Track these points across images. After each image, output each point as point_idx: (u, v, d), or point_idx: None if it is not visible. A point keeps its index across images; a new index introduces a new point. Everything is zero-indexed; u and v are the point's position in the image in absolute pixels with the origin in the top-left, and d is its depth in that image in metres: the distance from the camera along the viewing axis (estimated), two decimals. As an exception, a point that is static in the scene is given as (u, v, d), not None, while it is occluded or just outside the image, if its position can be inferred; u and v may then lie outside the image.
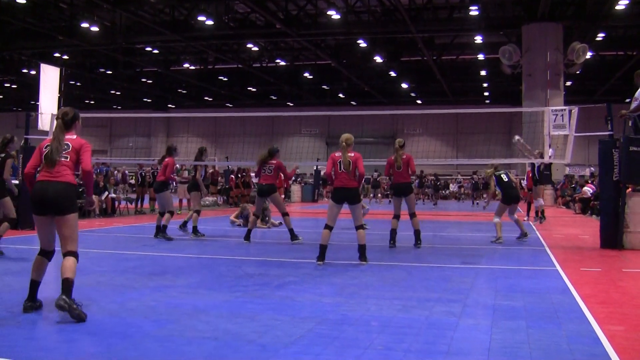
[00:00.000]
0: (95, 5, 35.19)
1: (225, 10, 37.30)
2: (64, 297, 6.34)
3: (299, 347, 5.50)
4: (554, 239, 16.16)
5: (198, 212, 16.38)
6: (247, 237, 14.64)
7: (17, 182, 17.75)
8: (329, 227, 11.16)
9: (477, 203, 39.75)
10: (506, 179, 15.04)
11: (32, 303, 6.79)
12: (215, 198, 32.36)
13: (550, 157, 19.83)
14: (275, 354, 5.31)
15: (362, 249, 11.15)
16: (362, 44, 42.26)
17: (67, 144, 6.94)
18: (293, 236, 14.57)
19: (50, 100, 21.88)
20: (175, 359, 5.13)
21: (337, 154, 11.31)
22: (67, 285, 6.47)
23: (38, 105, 21.73)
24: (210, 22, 36.68)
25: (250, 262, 11.43)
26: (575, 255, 12.67)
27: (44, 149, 6.92)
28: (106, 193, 23.03)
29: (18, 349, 5.31)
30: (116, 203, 23.96)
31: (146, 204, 26.99)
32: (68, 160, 6.88)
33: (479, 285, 9.01)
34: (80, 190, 13.42)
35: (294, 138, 62.68)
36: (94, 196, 22.67)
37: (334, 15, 35.94)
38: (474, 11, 35.15)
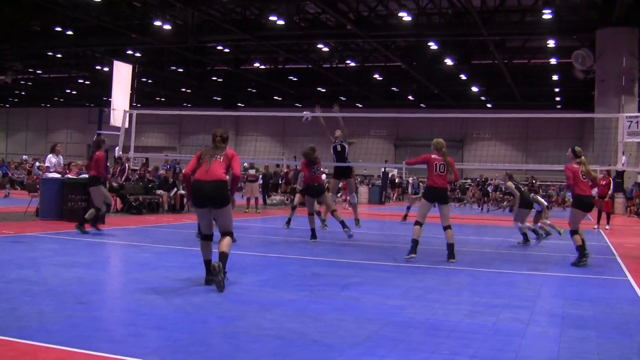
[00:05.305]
0: (168, 4, 35.67)
1: (296, 11, 37.38)
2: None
3: (364, 349, 5.50)
4: (625, 248, 15.86)
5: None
6: None
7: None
8: (419, 224, 11.49)
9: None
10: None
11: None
12: (282, 197, 32.43)
13: (623, 164, 19.44)
14: (340, 354, 5.31)
15: (450, 248, 11.48)
16: (433, 46, 41.88)
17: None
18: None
19: (122, 97, 22.20)
20: (241, 356, 5.17)
21: (434, 156, 11.59)
22: (223, 257, 8.07)
23: (110, 101, 22.07)
24: (281, 22, 36.78)
25: (316, 262, 11.47)
26: (647, 265, 12.40)
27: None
28: (175, 189, 23.30)
29: (88, 339, 5.41)
30: (185, 199, 24.16)
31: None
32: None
33: (547, 293, 8.90)
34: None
35: (362, 140, 62.52)
36: (162, 192, 23.01)
37: (405, 17, 35.66)
38: (547, 14, 34.50)
